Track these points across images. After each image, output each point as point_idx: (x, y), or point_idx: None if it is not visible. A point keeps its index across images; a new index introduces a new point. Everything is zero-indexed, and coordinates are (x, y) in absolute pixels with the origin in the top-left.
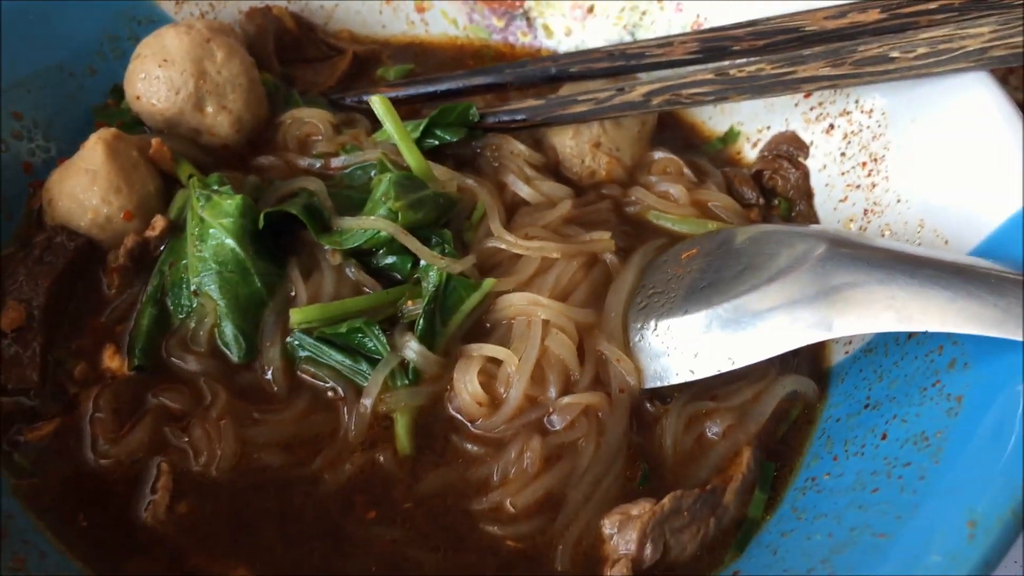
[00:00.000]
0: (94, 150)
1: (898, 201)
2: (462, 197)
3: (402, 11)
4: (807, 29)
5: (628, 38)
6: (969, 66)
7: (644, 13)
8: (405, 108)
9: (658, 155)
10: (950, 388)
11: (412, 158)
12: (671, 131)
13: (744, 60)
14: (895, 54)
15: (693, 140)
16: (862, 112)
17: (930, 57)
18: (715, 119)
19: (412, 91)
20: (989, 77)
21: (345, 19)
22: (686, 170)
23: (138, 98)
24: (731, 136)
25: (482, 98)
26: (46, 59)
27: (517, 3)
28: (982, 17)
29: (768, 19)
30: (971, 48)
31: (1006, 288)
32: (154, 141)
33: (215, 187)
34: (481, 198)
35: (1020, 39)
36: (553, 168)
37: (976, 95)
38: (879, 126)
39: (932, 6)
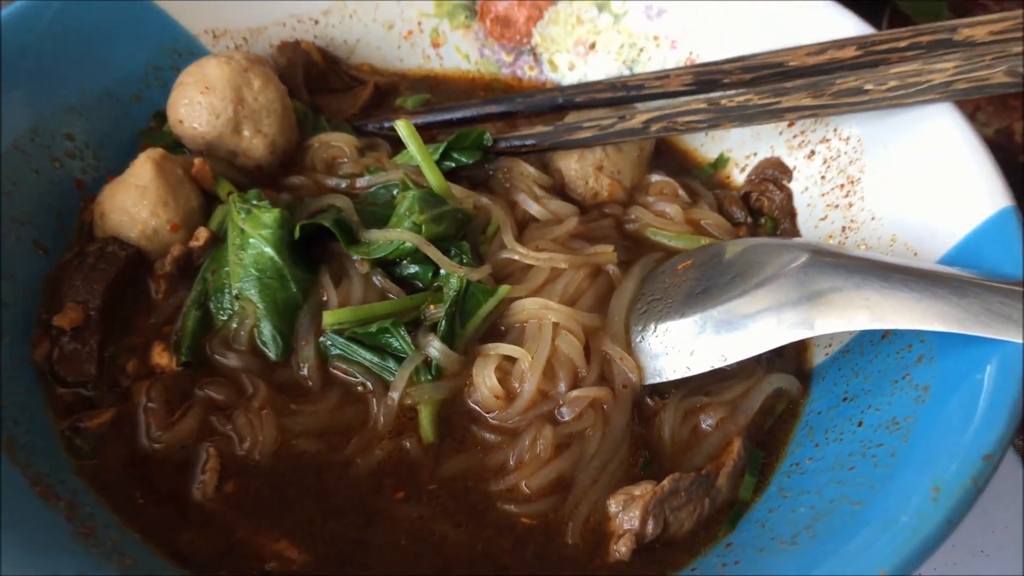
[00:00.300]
0: (144, 167)
1: (872, 219)
2: (478, 213)
3: (419, 46)
4: (790, 64)
5: (627, 73)
6: (935, 98)
7: (642, 50)
8: (422, 134)
9: (655, 178)
10: (918, 379)
11: (433, 177)
12: (667, 157)
13: (734, 91)
14: (869, 86)
15: (687, 165)
16: (840, 139)
17: (900, 90)
18: (707, 146)
19: (429, 118)
20: (953, 108)
21: (366, 54)
22: (681, 192)
23: (181, 122)
24: (721, 161)
25: (494, 125)
26: (97, 86)
27: (524, 40)
28: (947, 54)
29: (755, 55)
30: (937, 82)
31: (967, 290)
32: (197, 161)
33: (254, 202)
34: (495, 214)
35: (980, 74)
36: (559, 189)
37: (942, 124)
38: (855, 152)
39: (902, 44)
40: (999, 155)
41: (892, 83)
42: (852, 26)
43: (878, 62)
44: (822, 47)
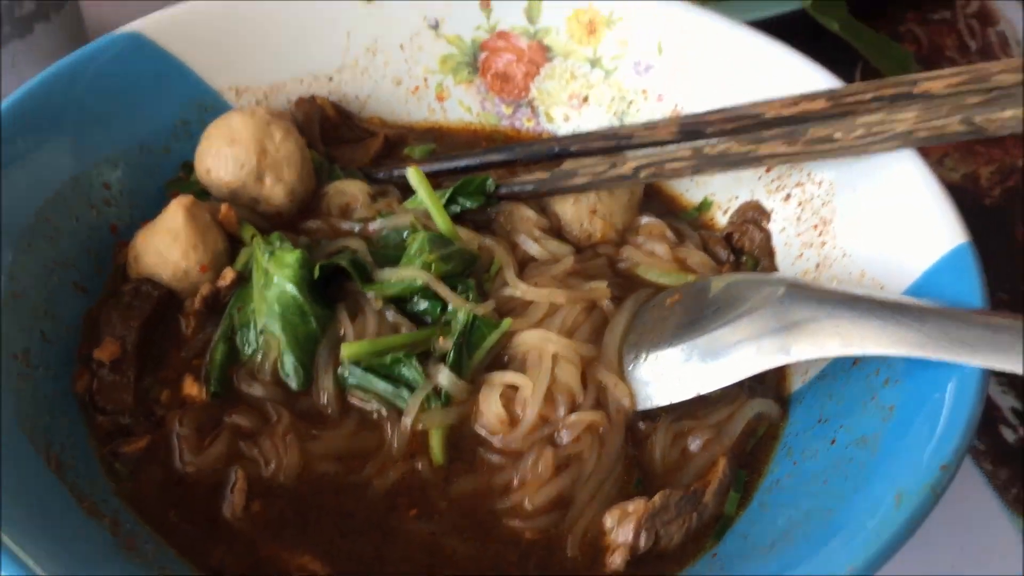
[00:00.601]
0: (175, 214)
1: (844, 256)
2: (482, 254)
3: (424, 100)
4: (767, 115)
5: (618, 123)
6: (898, 145)
7: (631, 103)
8: (429, 181)
9: (644, 220)
10: (885, 400)
11: (441, 220)
12: (655, 201)
13: (716, 140)
14: (838, 135)
15: (674, 209)
16: (813, 183)
17: (867, 138)
18: (691, 191)
19: (435, 167)
20: (915, 154)
21: (376, 108)
22: (668, 233)
23: (208, 171)
24: (705, 205)
25: (495, 172)
26: (131, 140)
27: (523, 94)
28: (908, 106)
29: (735, 107)
30: (899, 130)
31: (928, 318)
32: (223, 207)
33: (276, 244)
34: (498, 254)
35: (938, 123)
36: (556, 231)
37: (905, 169)
38: (827, 194)
39: (868, 97)
40: (966, 198)
41: (859, 132)
42: (823, 80)
43: (846, 113)
44: (795, 100)
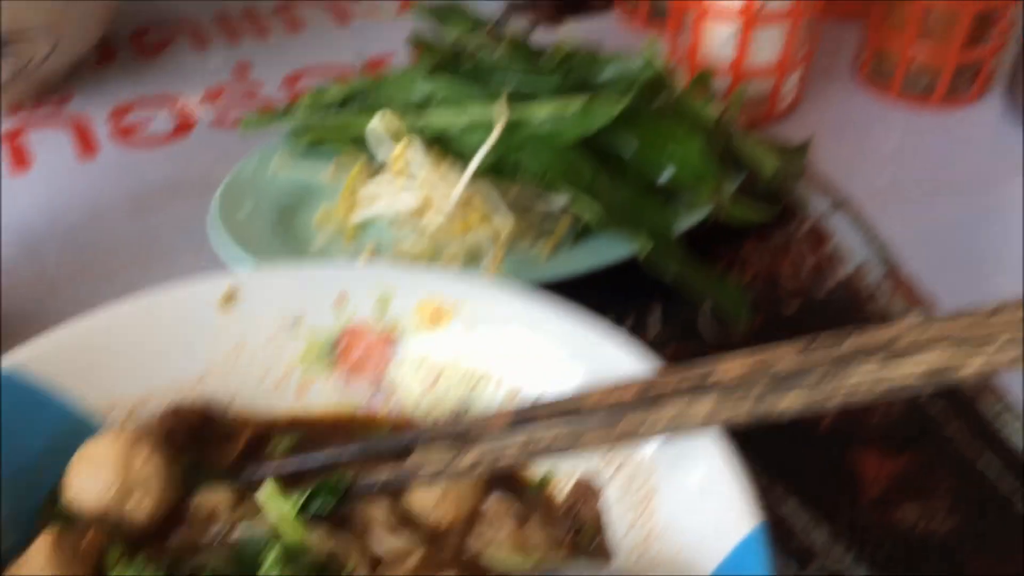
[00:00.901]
0: (39, 552)
1: (665, 531)
2: (336, 555)
3: (287, 393)
4: (587, 405)
5: (467, 403)
6: (701, 427)
7: (475, 385)
8: (289, 480)
9: (489, 502)
10: None
11: (292, 531)
12: (500, 482)
13: (545, 429)
14: (648, 420)
15: (518, 485)
16: (637, 461)
17: (675, 422)
18: (533, 468)
19: (295, 463)
20: (718, 436)
21: (242, 405)
22: (512, 513)
23: (74, 499)
24: (546, 481)
25: (352, 466)
26: (2, 471)
27: (378, 381)
28: (705, 395)
29: (560, 398)
30: (701, 416)
31: None
32: (89, 534)
33: (139, 568)
34: (352, 556)
35: (731, 409)
36: (408, 521)
37: (711, 450)
38: (648, 471)
39: (670, 386)
40: (798, 429)
41: (667, 418)
42: (640, 364)
43: (656, 399)
44: (611, 390)
